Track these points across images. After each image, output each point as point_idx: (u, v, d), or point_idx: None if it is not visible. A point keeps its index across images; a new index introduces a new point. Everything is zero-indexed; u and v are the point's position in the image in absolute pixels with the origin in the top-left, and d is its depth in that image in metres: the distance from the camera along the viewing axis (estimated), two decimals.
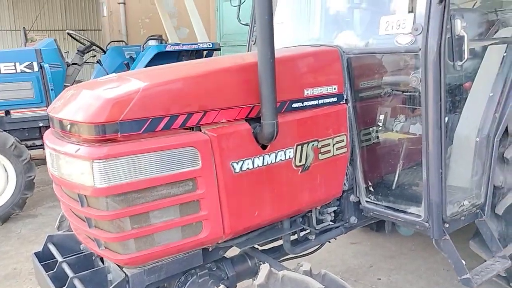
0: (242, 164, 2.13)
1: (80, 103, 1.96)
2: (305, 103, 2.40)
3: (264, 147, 2.21)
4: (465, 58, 2.26)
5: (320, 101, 2.47)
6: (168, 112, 1.93)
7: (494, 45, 2.78)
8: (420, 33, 2.26)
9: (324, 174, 2.50)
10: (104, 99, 1.83)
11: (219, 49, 6.93)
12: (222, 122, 2.10)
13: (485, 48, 2.85)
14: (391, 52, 2.49)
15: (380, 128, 2.73)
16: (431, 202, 2.37)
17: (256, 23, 2.00)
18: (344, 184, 2.67)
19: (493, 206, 2.78)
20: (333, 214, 2.75)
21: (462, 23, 2.24)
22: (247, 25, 3.46)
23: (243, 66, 2.25)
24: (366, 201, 2.69)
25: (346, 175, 2.67)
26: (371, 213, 2.69)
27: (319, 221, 2.70)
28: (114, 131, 1.80)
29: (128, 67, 6.76)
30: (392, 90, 2.71)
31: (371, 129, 2.73)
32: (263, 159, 2.21)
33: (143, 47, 6.57)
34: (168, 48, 6.37)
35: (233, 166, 2.10)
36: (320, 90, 2.46)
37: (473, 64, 2.86)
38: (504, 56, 2.74)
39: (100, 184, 1.79)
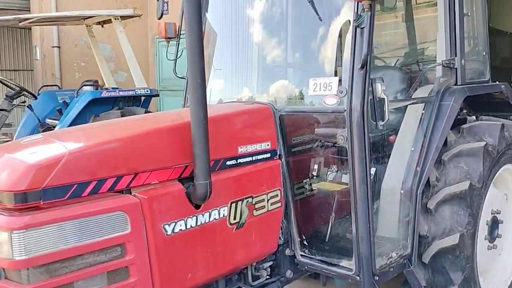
0: (174, 226, 2.09)
1: (0, 168, 1.85)
2: (239, 160, 2.44)
3: (197, 206, 2.20)
4: (387, 119, 2.42)
5: (254, 158, 2.52)
6: (95, 176, 1.88)
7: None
8: (344, 95, 2.40)
9: (259, 230, 2.51)
10: (26, 165, 1.75)
11: (158, 95, 6.90)
12: (154, 184, 2.07)
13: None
14: (319, 111, 2.62)
15: (313, 180, 2.82)
16: (361, 255, 2.45)
17: (188, 86, 2.04)
18: (279, 238, 2.70)
19: (420, 255, 2.90)
20: (269, 269, 2.75)
21: (382, 86, 2.41)
22: (184, 78, 3.49)
23: (175, 126, 2.26)
24: (301, 255, 2.73)
25: (281, 229, 2.70)
26: (306, 267, 2.72)
27: (255, 277, 2.69)
28: (36, 199, 1.72)
29: (61, 113, 6.52)
30: (322, 144, 2.83)
31: (304, 182, 2.82)
32: (197, 219, 2.19)
33: (77, 92, 6.39)
34: (104, 95, 6.23)
35: (164, 229, 2.06)
36: (254, 147, 2.52)
37: (397, 117, 3.07)
38: (422, 113, 2.96)
39: (19, 256, 1.68)
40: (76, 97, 6.23)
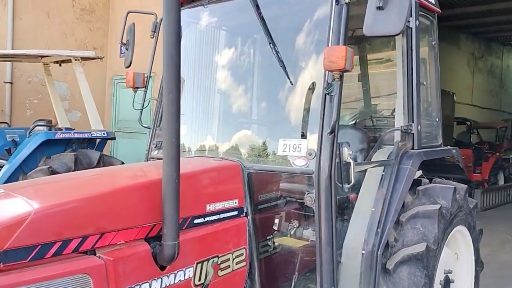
0: None
1: None
2: (207, 218, 2.41)
3: (162, 268, 2.13)
4: (352, 182, 2.51)
5: (222, 215, 2.51)
6: (60, 237, 1.79)
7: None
8: (313, 158, 2.47)
9: None
10: None
11: (114, 138, 6.74)
12: (120, 244, 2.00)
13: None
14: (288, 172, 2.67)
15: (278, 238, 2.82)
16: None
17: (163, 144, 2.02)
18: None
19: None
20: None
21: (348, 150, 2.51)
22: (149, 128, 3.47)
23: (144, 184, 2.22)
24: None
25: None
26: None
27: None
28: None
29: (9, 152, 6.19)
30: (288, 202, 2.86)
31: (269, 240, 2.81)
32: (161, 281, 2.12)
33: (29, 132, 6.12)
34: (58, 136, 6.00)
35: None
36: (222, 204, 2.51)
37: (357, 175, 3.17)
38: (382, 175, 3.09)
39: None
40: (28, 137, 5.96)
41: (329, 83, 2.38)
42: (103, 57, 7.45)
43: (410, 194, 3.24)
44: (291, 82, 2.70)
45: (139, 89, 3.49)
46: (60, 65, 7.22)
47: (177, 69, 2.03)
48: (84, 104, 6.68)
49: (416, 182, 3.41)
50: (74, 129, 6.76)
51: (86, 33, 9.14)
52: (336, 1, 2.51)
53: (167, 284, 2.13)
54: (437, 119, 3.74)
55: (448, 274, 3.35)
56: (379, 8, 2.20)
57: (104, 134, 6.48)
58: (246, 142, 3.04)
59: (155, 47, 3.62)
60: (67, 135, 6.12)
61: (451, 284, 3.39)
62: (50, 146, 5.88)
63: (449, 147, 3.73)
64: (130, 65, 3.58)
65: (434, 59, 3.71)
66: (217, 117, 3.29)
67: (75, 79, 6.66)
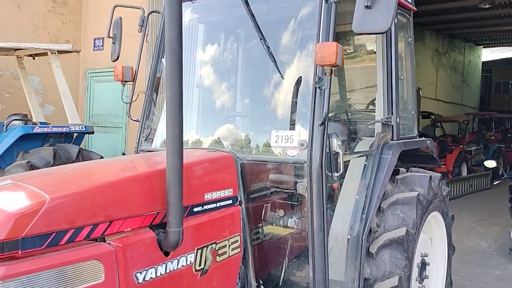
0: (146, 274, 2.10)
1: None
2: (205, 207, 2.51)
3: (166, 253, 2.22)
4: (341, 170, 2.67)
5: (218, 204, 2.61)
6: (73, 225, 1.86)
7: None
8: (305, 148, 2.61)
9: (220, 276, 2.57)
10: (5, 213, 1.69)
11: (93, 132, 6.68)
12: (127, 231, 2.08)
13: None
14: (281, 162, 2.80)
15: (270, 226, 2.95)
16: None
17: (167, 136, 2.11)
18: (237, 283, 2.77)
19: None
20: None
21: (337, 141, 2.66)
22: (138, 121, 3.52)
23: (150, 174, 2.31)
24: None
25: (239, 275, 2.78)
26: None
27: None
28: (15, 248, 1.66)
29: None
30: (280, 191, 3.00)
31: (262, 227, 2.94)
32: (166, 266, 2.21)
33: (6, 127, 5.99)
34: (36, 130, 5.91)
35: (136, 277, 2.06)
36: (218, 193, 2.61)
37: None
38: (365, 165, 3.27)
39: None
40: (5, 132, 5.84)
41: (320, 77, 2.52)
42: (80, 50, 7.35)
43: (390, 182, 3.43)
44: (282, 76, 2.82)
45: (127, 83, 3.54)
46: (33, 58, 7.09)
47: (179, 63, 2.11)
48: (57, 98, 6.58)
49: (395, 171, 3.61)
50: (49, 123, 6.67)
51: (58, 26, 8.95)
52: (325, 0, 2.65)
53: (171, 269, 2.23)
54: (413, 112, 3.96)
55: (424, 258, 3.59)
56: (367, 7, 2.34)
57: (82, 128, 6.42)
58: (239, 134, 3.15)
59: (143, 41, 3.67)
60: (45, 130, 6.03)
61: (427, 267, 3.62)
62: (27, 140, 5.79)
63: (423, 138, 3.96)
64: (117, 59, 3.62)
65: (410, 55, 3.93)
66: (213, 110, 3.38)
67: (48, 73, 6.57)
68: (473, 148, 14.46)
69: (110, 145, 8.52)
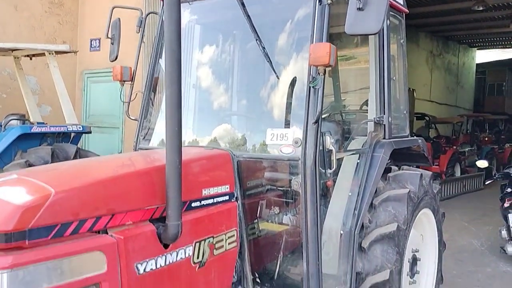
0: (146, 265, 2.18)
1: None
2: (203, 202, 2.60)
3: (166, 246, 2.31)
4: (334, 167, 2.76)
5: (215, 200, 2.70)
6: (77, 217, 1.94)
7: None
8: (299, 146, 2.70)
9: (217, 269, 2.66)
10: (13, 205, 1.77)
11: (90, 132, 6.75)
12: (128, 224, 2.16)
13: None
14: (276, 159, 2.89)
15: (265, 221, 3.04)
16: None
17: (166, 134, 2.19)
18: (233, 276, 2.86)
19: None
20: None
21: (331, 139, 2.76)
22: (136, 120, 3.60)
23: (150, 170, 2.39)
24: None
25: (235, 268, 2.87)
26: None
27: None
28: (22, 239, 1.74)
29: None
30: (276, 188, 3.09)
31: (257, 223, 3.03)
32: (165, 258, 2.30)
33: (4, 126, 6.05)
34: (34, 130, 5.98)
35: (137, 268, 2.14)
36: (216, 189, 2.70)
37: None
38: (358, 163, 3.37)
39: None
40: (3, 131, 5.90)
41: (313, 77, 2.62)
42: (77, 51, 7.42)
43: (382, 180, 3.53)
44: (277, 77, 2.91)
45: (126, 82, 3.62)
46: (31, 58, 7.14)
47: (178, 62, 2.20)
48: (54, 99, 6.63)
49: (387, 169, 3.71)
50: (46, 123, 6.72)
51: (55, 27, 9.01)
52: (319, 1, 2.75)
53: (171, 261, 2.32)
54: (404, 112, 4.06)
55: (415, 253, 3.69)
56: (359, 9, 2.43)
57: (80, 128, 6.49)
58: (235, 133, 3.24)
59: (141, 42, 3.75)
60: (43, 129, 6.09)
61: (418, 262, 3.72)
62: (25, 140, 5.85)
63: (415, 137, 4.07)
64: (115, 59, 3.70)
65: (402, 56, 4.03)
66: (210, 110, 3.47)
67: (45, 73, 6.62)
68: (467, 149, 14.60)
69: (107, 145, 8.58)
